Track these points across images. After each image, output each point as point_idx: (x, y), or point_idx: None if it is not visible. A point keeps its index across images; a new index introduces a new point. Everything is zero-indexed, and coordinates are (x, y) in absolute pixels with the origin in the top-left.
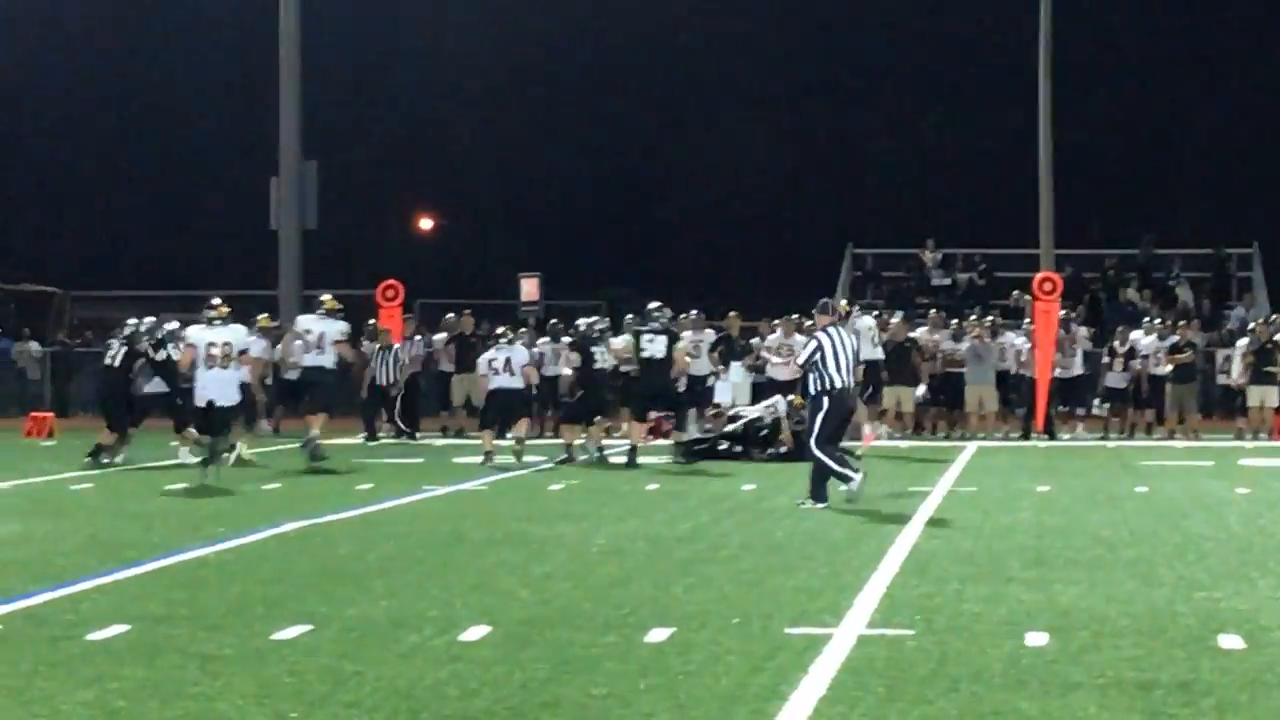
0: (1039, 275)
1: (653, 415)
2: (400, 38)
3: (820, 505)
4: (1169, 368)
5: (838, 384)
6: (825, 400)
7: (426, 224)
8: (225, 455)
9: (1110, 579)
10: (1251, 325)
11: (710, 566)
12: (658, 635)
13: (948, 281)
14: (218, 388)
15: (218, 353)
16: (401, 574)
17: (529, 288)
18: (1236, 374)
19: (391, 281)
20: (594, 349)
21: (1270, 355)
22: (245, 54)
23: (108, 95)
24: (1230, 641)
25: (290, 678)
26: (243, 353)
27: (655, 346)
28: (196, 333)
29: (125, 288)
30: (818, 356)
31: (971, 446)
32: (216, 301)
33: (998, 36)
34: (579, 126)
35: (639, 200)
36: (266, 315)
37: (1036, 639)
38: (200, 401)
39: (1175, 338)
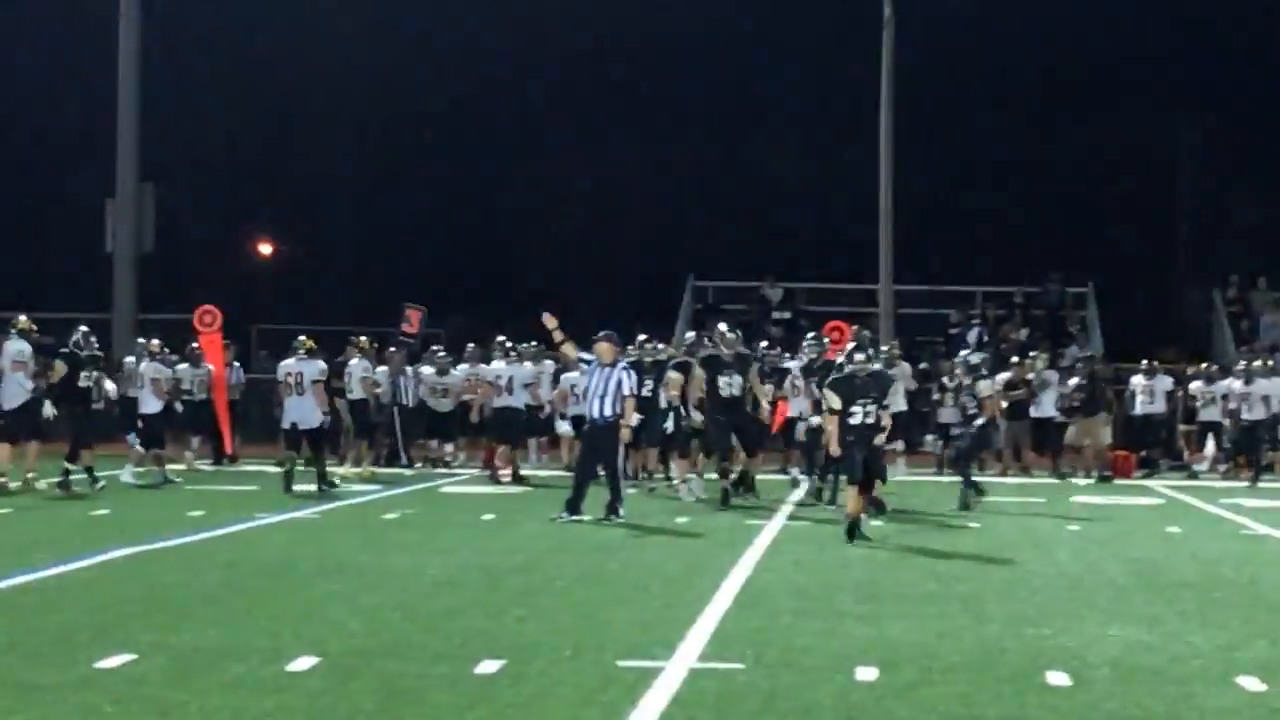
0: (829, 324)
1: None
2: (244, 61)
3: (572, 518)
4: (1003, 404)
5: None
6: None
7: (266, 249)
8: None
9: (941, 614)
10: (1078, 362)
11: (543, 598)
12: (489, 666)
13: (788, 315)
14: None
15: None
16: (230, 603)
17: (414, 318)
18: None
19: (209, 307)
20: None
21: (1102, 392)
22: (84, 73)
23: None
24: (1057, 679)
25: (113, 707)
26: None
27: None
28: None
29: None
30: (583, 384)
31: (805, 480)
32: (23, 318)
33: (840, 70)
34: (424, 154)
35: (482, 229)
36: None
37: (867, 674)
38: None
39: (1010, 374)
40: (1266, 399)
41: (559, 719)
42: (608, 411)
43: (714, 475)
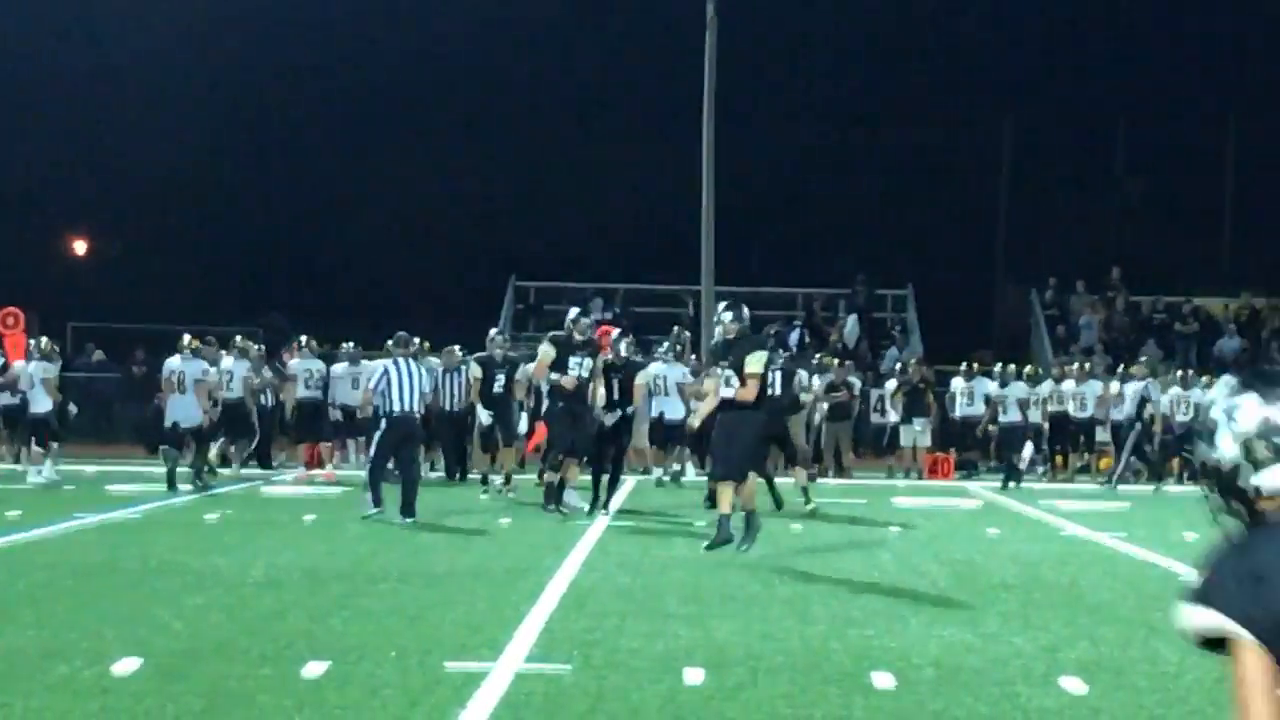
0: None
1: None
2: (62, 53)
3: (375, 511)
4: (824, 406)
5: (398, 409)
6: (384, 422)
7: (81, 247)
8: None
9: (766, 616)
10: (900, 365)
11: (368, 599)
12: (314, 669)
13: (609, 316)
14: None
15: None
16: (51, 604)
17: None
18: (891, 413)
19: (11, 309)
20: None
21: (922, 395)
22: None
23: None
24: (882, 679)
25: None
26: None
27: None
28: None
29: None
30: (383, 384)
31: (631, 481)
32: None
33: (664, 70)
34: (242, 152)
35: (304, 228)
36: None
37: (694, 675)
38: None
39: (830, 377)
40: (1082, 400)
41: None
42: (416, 407)
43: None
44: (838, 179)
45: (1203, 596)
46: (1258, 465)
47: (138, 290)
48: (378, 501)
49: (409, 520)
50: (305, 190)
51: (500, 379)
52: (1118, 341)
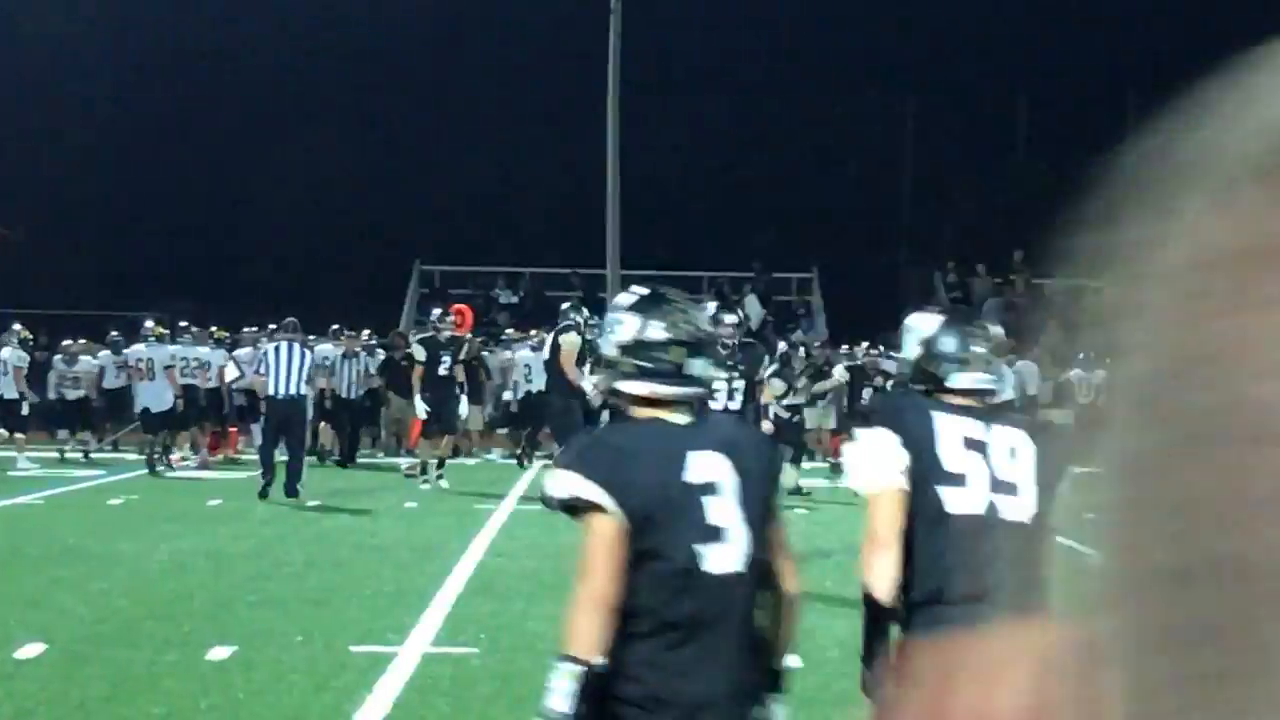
0: (453, 306)
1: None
2: None
3: (264, 483)
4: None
5: (280, 393)
6: (264, 405)
7: None
8: None
9: None
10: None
11: (274, 584)
12: (219, 653)
13: (515, 300)
14: None
15: None
16: None
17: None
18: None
19: None
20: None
21: (826, 377)
22: None
23: None
24: (788, 660)
25: None
26: None
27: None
28: None
29: None
30: (263, 368)
31: (538, 464)
32: None
33: (569, 53)
34: (146, 135)
35: (206, 213)
36: None
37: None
38: None
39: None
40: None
41: (292, 705)
42: (297, 390)
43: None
44: (742, 161)
45: (570, 464)
46: (625, 375)
47: (41, 275)
48: (267, 481)
49: (291, 499)
50: (210, 174)
51: (446, 361)
52: (1019, 323)
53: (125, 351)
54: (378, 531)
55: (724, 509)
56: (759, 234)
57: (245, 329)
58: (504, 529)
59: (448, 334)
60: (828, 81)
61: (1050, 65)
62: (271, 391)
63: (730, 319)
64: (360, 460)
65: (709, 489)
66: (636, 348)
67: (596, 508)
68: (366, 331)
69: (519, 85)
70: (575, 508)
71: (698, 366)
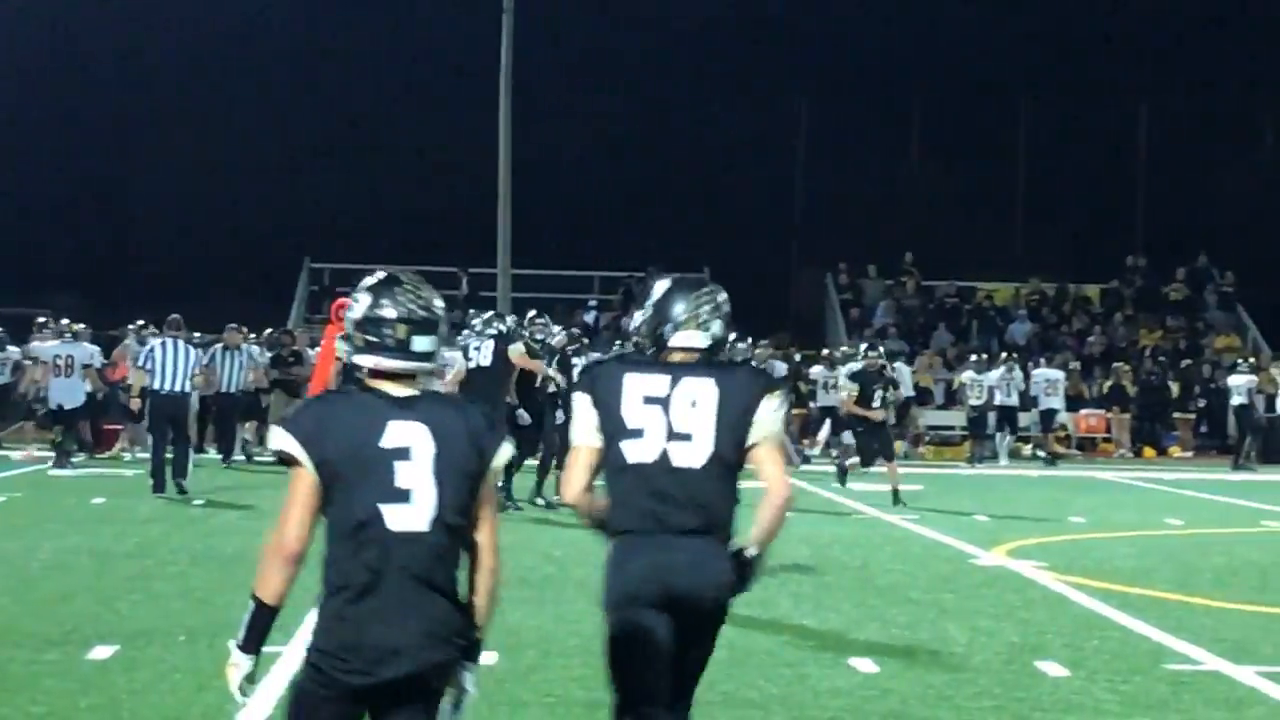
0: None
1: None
2: None
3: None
4: None
5: (164, 388)
6: (149, 401)
7: None
8: None
9: (559, 598)
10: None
11: (158, 582)
12: (101, 652)
13: None
14: None
15: None
16: None
17: None
18: None
19: None
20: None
21: None
22: None
23: None
24: None
25: None
26: None
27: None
28: None
29: None
30: (148, 363)
31: None
32: None
33: (461, 49)
34: (31, 128)
35: (93, 207)
36: None
37: (487, 657)
38: None
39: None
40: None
41: (175, 705)
42: (182, 387)
43: None
44: (636, 162)
45: (282, 422)
46: (357, 349)
47: None
48: (158, 481)
49: (177, 495)
50: (97, 171)
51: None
52: (911, 325)
53: (37, 347)
54: (262, 530)
55: (414, 474)
56: (651, 235)
57: (130, 326)
58: None
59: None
60: (722, 83)
61: (943, 70)
62: (157, 387)
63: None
64: (246, 457)
65: (401, 454)
66: (366, 324)
67: (295, 461)
68: (270, 331)
69: (410, 81)
70: (284, 460)
71: (423, 344)
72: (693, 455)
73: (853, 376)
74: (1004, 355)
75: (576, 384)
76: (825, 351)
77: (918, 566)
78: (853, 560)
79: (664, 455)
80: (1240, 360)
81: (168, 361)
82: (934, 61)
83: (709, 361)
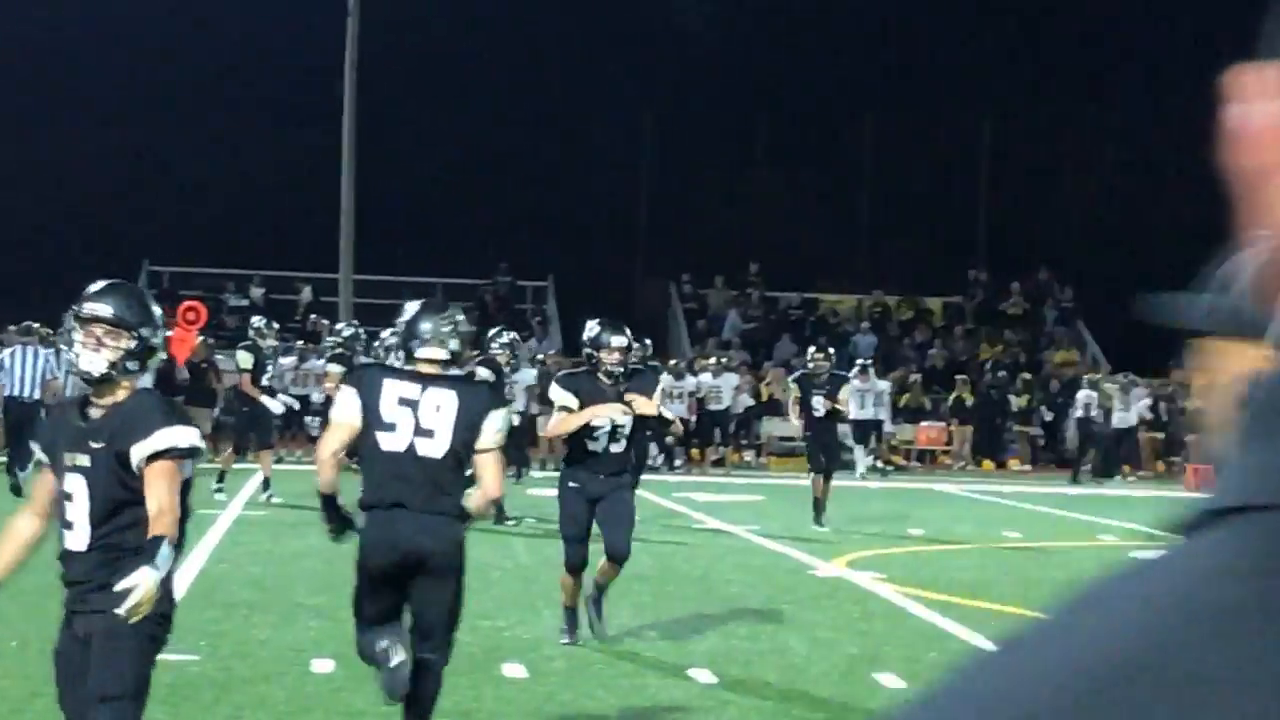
0: (184, 305)
1: None
2: None
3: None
4: None
5: (18, 395)
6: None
7: None
8: None
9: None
10: (542, 357)
11: None
12: None
13: (244, 302)
14: None
15: None
16: None
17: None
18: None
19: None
20: None
21: None
22: None
23: None
24: (513, 670)
25: None
26: None
27: None
28: None
29: None
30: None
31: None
32: None
33: (307, 54)
34: None
35: None
36: None
37: (323, 666)
38: None
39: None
40: (718, 393)
41: (5, 712)
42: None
43: None
44: (481, 169)
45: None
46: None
47: None
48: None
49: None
50: None
51: (270, 370)
52: (755, 336)
53: None
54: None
55: None
56: (495, 242)
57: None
58: (229, 534)
59: None
60: (568, 92)
61: (789, 80)
62: (14, 393)
63: (618, 341)
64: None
65: None
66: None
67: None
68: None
69: (253, 84)
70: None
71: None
72: (434, 448)
73: (796, 380)
74: (859, 365)
75: (344, 380)
76: (673, 361)
77: (759, 577)
78: (694, 570)
79: (411, 447)
80: (1087, 375)
81: (23, 368)
82: (780, 74)
83: (454, 376)
